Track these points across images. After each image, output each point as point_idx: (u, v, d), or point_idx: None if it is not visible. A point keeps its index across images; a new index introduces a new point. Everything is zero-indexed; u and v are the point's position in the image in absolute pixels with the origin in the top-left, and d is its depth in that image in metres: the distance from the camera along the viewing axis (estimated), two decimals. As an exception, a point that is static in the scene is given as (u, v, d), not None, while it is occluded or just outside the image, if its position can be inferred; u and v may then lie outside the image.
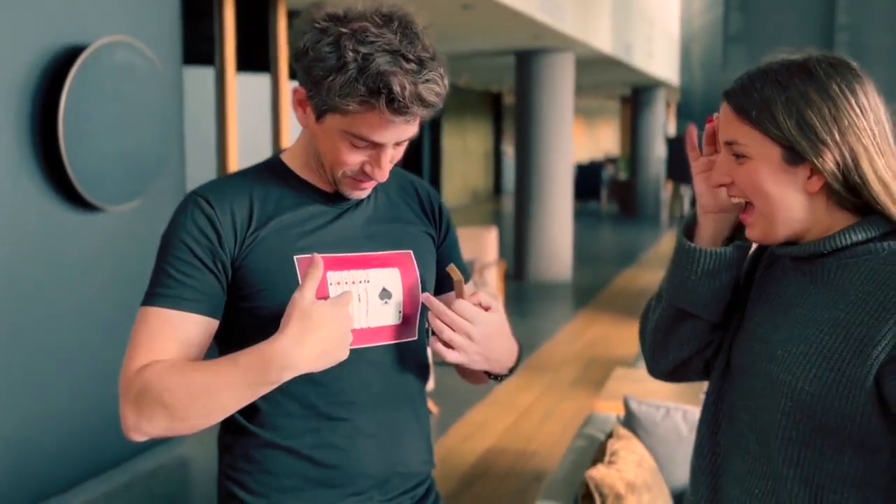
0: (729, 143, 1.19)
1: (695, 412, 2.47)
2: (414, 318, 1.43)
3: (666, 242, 13.35)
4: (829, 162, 1.12)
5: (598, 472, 2.06)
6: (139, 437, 1.26)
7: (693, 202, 1.29)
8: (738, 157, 1.18)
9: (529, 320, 7.82)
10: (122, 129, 3.86)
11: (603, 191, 20.15)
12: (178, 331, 1.28)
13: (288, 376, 1.23)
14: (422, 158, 18.21)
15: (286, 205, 1.36)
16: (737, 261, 1.28)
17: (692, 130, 1.28)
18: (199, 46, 5.16)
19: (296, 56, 1.28)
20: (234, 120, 5.35)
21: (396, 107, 1.21)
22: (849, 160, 1.11)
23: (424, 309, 1.44)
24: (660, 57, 14.42)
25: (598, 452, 2.36)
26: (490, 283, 6.91)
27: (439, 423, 5.00)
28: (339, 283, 1.34)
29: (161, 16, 4.22)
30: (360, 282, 1.37)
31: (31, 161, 3.51)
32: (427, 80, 1.22)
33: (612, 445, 2.32)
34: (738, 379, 1.26)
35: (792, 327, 1.18)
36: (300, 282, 1.30)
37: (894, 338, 1.07)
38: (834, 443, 1.13)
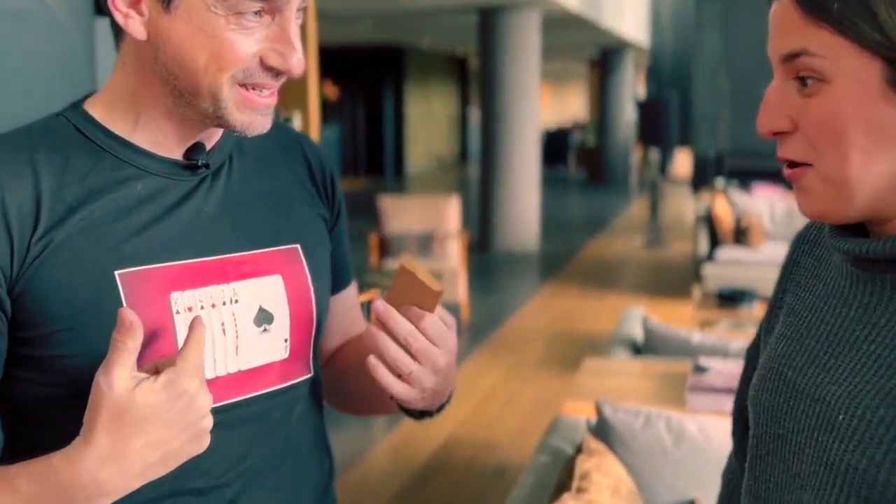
0: (791, 57, 0.71)
1: (681, 419, 2.06)
2: (306, 348, 0.97)
3: (636, 208, 13.02)
4: None
5: (565, 508, 1.64)
6: None
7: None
8: (808, 81, 0.70)
9: (494, 294, 7.42)
10: (14, 86, 3.34)
11: (571, 157, 19.84)
12: None
13: (107, 502, 0.77)
14: (384, 124, 17.70)
15: (99, 184, 0.86)
16: None
17: None
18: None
19: None
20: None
21: None
22: None
23: (319, 330, 0.99)
24: (629, 16, 13.98)
25: (564, 473, 1.94)
26: (451, 256, 6.47)
27: (393, 412, 4.59)
28: (190, 310, 0.87)
29: (65, -44, 3.68)
30: (225, 303, 0.90)
31: None
32: None
33: (583, 464, 1.90)
34: (763, 454, 0.80)
35: (858, 374, 0.72)
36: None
37: None
38: None
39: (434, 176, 18.30)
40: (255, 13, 0.81)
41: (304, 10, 0.86)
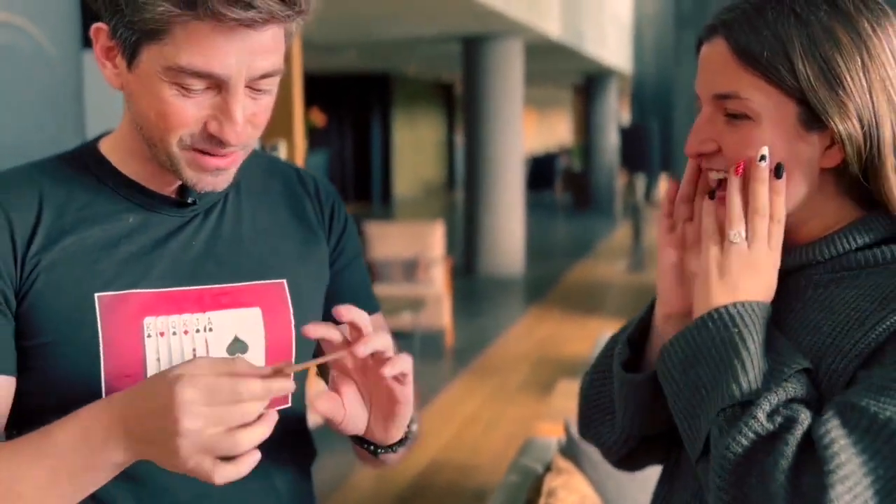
0: (722, 97, 0.85)
1: (646, 438, 2.13)
2: None
3: (620, 233, 13.13)
4: (854, 127, 0.80)
5: (530, 524, 1.71)
6: None
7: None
8: (735, 116, 0.85)
9: (477, 319, 7.48)
10: (4, 119, 3.41)
11: (557, 181, 19.99)
12: None
13: (123, 458, 0.80)
14: (371, 150, 17.80)
15: (92, 215, 0.94)
16: None
17: (673, 186, 0.93)
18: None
19: None
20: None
21: None
22: (872, 128, 0.81)
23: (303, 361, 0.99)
24: (611, 43, 14.17)
25: (533, 491, 2.01)
26: (436, 281, 6.55)
27: (376, 436, 4.64)
28: (162, 334, 0.93)
29: (53, -8, 3.76)
30: (199, 330, 0.95)
31: None
32: None
33: (550, 482, 1.97)
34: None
35: None
36: (100, 332, 0.90)
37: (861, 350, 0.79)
38: None
39: (421, 201, 18.39)
40: (201, 89, 0.86)
41: (260, 91, 0.89)
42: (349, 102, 17.53)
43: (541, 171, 20.06)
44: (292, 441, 1.05)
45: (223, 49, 0.83)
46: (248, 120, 0.89)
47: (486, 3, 7.31)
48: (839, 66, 0.81)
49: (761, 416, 0.76)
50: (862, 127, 0.81)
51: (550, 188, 20.11)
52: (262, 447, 0.97)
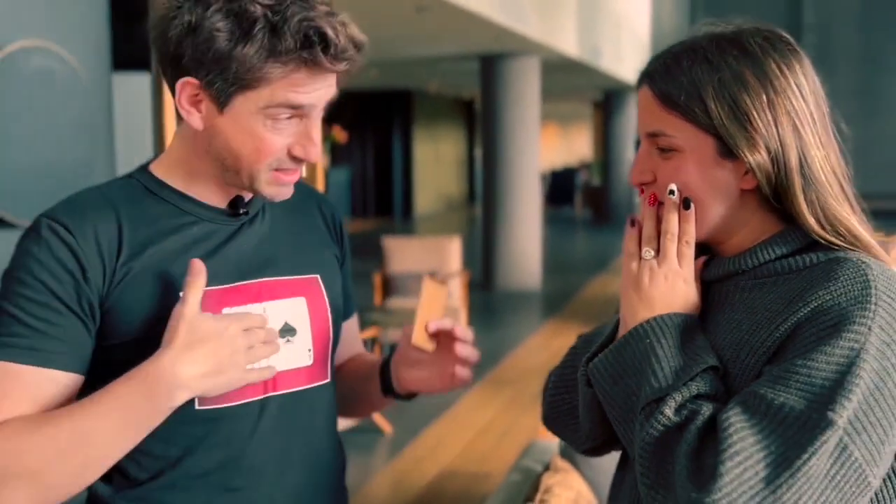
0: (653, 135, 1.00)
1: (639, 440, 2.26)
2: (326, 357, 1.21)
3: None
4: (762, 156, 0.94)
5: (524, 516, 1.84)
6: None
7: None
8: (665, 150, 0.99)
9: (494, 332, 7.60)
10: (39, 141, 3.61)
11: (577, 196, 20.08)
12: (33, 391, 1.03)
13: (181, 398, 1.03)
14: (392, 166, 18.00)
15: (166, 227, 1.12)
16: None
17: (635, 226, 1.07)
18: (132, 51, 4.89)
19: (177, 41, 1.04)
20: (172, 128, 5.10)
21: (334, 53, 1.03)
22: (779, 156, 0.94)
23: (334, 345, 1.24)
24: (629, 60, 14.28)
25: (531, 489, 2.15)
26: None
27: (392, 444, 4.77)
28: None
29: (86, 18, 3.97)
30: None
31: (-66, 175, 3.25)
32: (346, 23, 1.05)
33: (548, 480, 2.11)
34: None
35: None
36: None
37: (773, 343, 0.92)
38: None
39: (442, 216, 18.55)
40: (287, 117, 1.07)
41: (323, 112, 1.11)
42: (371, 119, 17.74)
43: (561, 186, 20.17)
44: (328, 412, 1.24)
45: (314, 87, 1.05)
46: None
47: (503, 24, 7.48)
48: (746, 104, 0.94)
49: (668, 411, 0.91)
50: (770, 155, 0.94)
51: (570, 203, 20.20)
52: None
